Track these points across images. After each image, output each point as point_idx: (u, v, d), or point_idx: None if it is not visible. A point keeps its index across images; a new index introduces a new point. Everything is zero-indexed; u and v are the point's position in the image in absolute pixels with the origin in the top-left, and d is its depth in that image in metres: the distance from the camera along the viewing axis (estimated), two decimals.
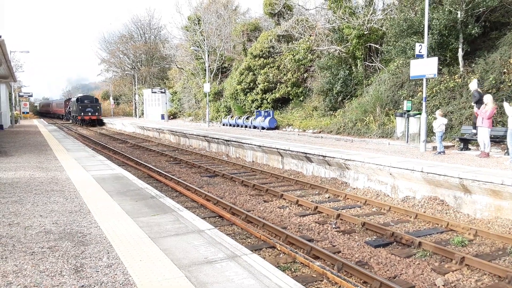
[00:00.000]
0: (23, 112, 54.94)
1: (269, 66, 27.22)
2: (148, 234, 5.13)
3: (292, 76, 25.96)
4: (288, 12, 28.11)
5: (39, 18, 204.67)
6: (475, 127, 12.03)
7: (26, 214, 6.11)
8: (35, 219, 5.83)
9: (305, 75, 26.01)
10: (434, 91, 15.52)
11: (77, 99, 44.47)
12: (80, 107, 43.04)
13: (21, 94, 53.02)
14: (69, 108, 51.56)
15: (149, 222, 5.65)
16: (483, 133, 10.96)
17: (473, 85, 12.11)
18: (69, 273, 4.00)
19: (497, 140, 11.86)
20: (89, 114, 43.46)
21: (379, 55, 21.14)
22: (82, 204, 6.71)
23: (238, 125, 27.25)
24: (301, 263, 6.04)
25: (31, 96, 57.32)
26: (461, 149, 12.34)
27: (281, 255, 6.40)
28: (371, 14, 20.62)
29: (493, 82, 13.38)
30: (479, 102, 11.68)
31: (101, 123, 45.56)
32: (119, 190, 7.80)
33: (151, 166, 14.91)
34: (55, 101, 74.76)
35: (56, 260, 4.32)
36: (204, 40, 32.89)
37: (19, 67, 44.03)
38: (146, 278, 3.85)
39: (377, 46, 20.94)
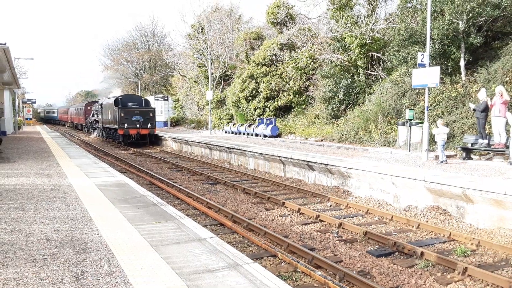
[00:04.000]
0: (27, 119, 55.14)
1: (271, 74, 27.32)
2: (149, 242, 5.12)
3: (295, 84, 26.03)
4: (291, 21, 28.27)
5: (42, 25, 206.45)
6: (482, 136, 12.03)
7: (27, 221, 6.12)
8: (37, 226, 5.83)
9: (308, 83, 26.08)
10: (436, 100, 15.53)
11: (116, 101, 27.31)
12: (122, 114, 26.02)
13: (24, 100, 53.25)
14: (94, 116, 35.24)
15: (150, 230, 5.64)
16: (500, 123, 11.11)
17: (482, 94, 12.14)
18: (70, 281, 4.00)
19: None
20: (137, 126, 26.13)
21: (381, 64, 21.21)
22: (83, 211, 6.71)
23: (240, 133, 27.29)
24: (303, 272, 6.01)
25: (35, 102, 57.55)
26: (464, 159, 12.31)
27: (282, 264, 6.37)
28: (373, 23, 20.72)
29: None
30: (486, 110, 11.81)
31: (153, 142, 28.20)
32: (121, 197, 7.81)
33: (153, 173, 14.92)
34: (69, 108, 57.15)
35: (57, 268, 4.32)
36: (207, 48, 33.07)
37: (22, 73, 44.35)
38: (147, 286, 3.84)
39: (379, 55, 21.01)
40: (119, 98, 27.92)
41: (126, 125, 25.81)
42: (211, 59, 32.15)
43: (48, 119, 79.58)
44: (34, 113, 76.97)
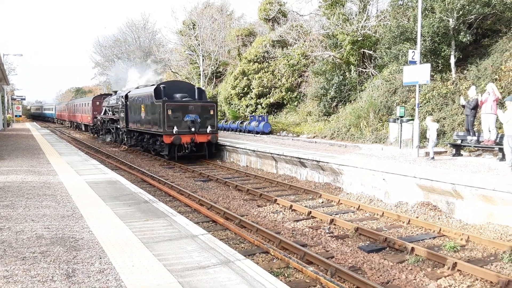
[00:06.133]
0: (16, 116, 54.52)
1: (263, 71, 27.32)
2: (141, 239, 5.10)
3: (287, 81, 26.06)
4: (283, 18, 28.28)
5: (31, 22, 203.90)
6: (469, 133, 12.16)
7: (17, 218, 6.06)
8: (27, 224, 5.77)
9: (299, 80, 26.13)
10: (427, 97, 15.66)
11: (157, 91, 17.75)
12: (168, 112, 16.74)
13: (14, 97, 52.64)
14: (108, 113, 26.10)
15: (142, 227, 5.62)
16: (491, 120, 11.24)
17: (472, 92, 12.25)
18: (60, 278, 3.97)
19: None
20: (192, 129, 17.03)
21: (372, 61, 21.32)
22: (74, 208, 6.66)
23: (232, 130, 27.26)
24: (295, 268, 6.04)
25: (24, 99, 56.93)
26: (454, 155, 12.44)
27: (274, 261, 6.39)
28: (365, 20, 20.80)
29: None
30: (475, 107, 11.95)
31: (212, 153, 18.19)
32: (112, 195, 7.76)
33: (145, 171, 14.85)
34: (69, 103, 46.40)
35: (48, 265, 4.28)
36: (198, 44, 32.95)
37: (12, 70, 43.78)
38: (139, 283, 3.83)
39: (370, 52, 21.11)
40: (161, 86, 17.67)
41: (175, 128, 16.41)
42: (203, 56, 32.05)
43: (40, 117, 72.53)
44: (24, 110, 75.92)
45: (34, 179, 9.37)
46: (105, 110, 27.11)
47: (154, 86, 18.09)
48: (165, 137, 16.62)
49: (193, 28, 35.12)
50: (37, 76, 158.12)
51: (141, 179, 13.41)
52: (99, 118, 28.68)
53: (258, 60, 27.85)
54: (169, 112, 16.65)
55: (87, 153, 19.55)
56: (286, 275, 5.86)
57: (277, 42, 27.46)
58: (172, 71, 43.42)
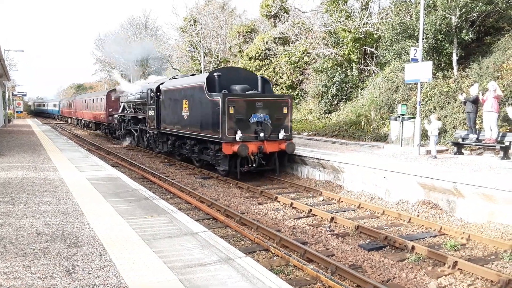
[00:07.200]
0: (17, 112, 54.56)
1: (265, 68, 27.27)
2: (141, 236, 5.10)
3: (288, 78, 26.02)
4: (284, 14, 28.21)
5: (31, 21, 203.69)
6: (472, 131, 12.13)
7: (18, 214, 6.06)
8: (27, 220, 5.77)
9: (301, 77, 26.08)
10: (429, 95, 15.61)
11: (210, 81, 12.85)
12: (230, 111, 11.84)
13: (14, 93, 52.65)
14: (127, 110, 22.22)
15: (142, 224, 5.61)
16: (492, 118, 11.19)
17: (474, 90, 12.23)
18: (60, 275, 3.97)
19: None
20: (261, 135, 12.26)
21: (374, 58, 21.26)
22: (75, 205, 6.66)
23: None
24: (295, 266, 6.03)
25: (25, 95, 56.93)
26: (455, 153, 12.41)
27: (274, 258, 6.39)
28: (367, 17, 20.74)
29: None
30: (476, 102, 11.94)
31: (285, 167, 13.76)
32: (113, 191, 7.76)
33: (145, 168, 14.84)
34: (76, 99, 41.11)
35: (48, 262, 4.28)
36: (199, 41, 32.89)
37: (13, 65, 43.75)
38: (139, 280, 3.82)
39: (372, 49, 21.06)
40: (215, 75, 12.90)
41: (239, 133, 11.93)
42: (204, 52, 31.99)
43: (44, 114, 69.63)
44: (25, 106, 75.77)
45: (35, 176, 9.38)
46: (124, 106, 22.58)
47: (207, 75, 13.21)
48: (225, 146, 11.83)
49: (194, 24, 35.06)
50: (38, 73, 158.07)
51: (141, 176, 13.41)
52: (116, 116, 23.69)
53: (260, 57, 27.80)
54: (231, 110, 11.86)
55: (88, 149, 19.54)
56: (286, 272, 5.85)
57: (279, 39, 27.41)
58: (173, 68, 43.39)
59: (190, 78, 15.09)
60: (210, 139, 12.68)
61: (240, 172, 12.22)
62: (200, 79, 13.41)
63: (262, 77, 14.10)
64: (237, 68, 17.78)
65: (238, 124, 12.03)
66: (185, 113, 14.31)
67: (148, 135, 18.79)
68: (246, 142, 11.97)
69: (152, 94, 17.23)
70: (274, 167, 12.94)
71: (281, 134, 12.67)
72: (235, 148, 11.72)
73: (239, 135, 11.92)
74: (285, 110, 12.94)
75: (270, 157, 12.77)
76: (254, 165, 12.32)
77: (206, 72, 18.56)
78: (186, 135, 14.57)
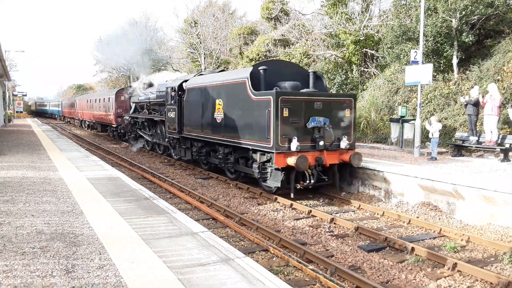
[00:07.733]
0: (17, 112, 54.59)
1: None
2: (141, 235, 5.09)
3: None
4: (285, 16, 28.25)
5: (31, 22, 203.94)
6: (473, 133, 12.15)
7: (17, 213, 6.05)
8: (27, 219, 5.77)
9: None
10: (429, 97, 15.64)
11: (254, 77, 10.40)
12: (285, 114, 9.44)
13: (15, 93, 52.69)
14: (138, 111, 20.34)
15: (142, 224, 5.61)
16: (492, 121, 11.20)
17: (475, 92, 12.25)
18: (60, 274, 3.96)
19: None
20: (321, 143, 9.83)
21: (374, 60, 21.30)
22: (74, 204, 6.66)
23: None
24: (294, 266, 6.03)
25: (25, 95, 56.96)
26: (455, 155, 12.42)
27: (274, 259, 6.38)
28: (367, 20, 20.78)
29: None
30: (477, 105, 11.95)
31: (348, 183, 11.09)
32: (113, 191, 7.76)
33: (145, 168, 14.84)
34: (79, 99, 38.73)
35: (47, 261, 4.28)
36: (200, 42, 32.95)
37: (13, 66, 43.80)
38: (138, 280, 3.82)
39: (372, 52, 21.09)
40: (261, 70, 10.59)
41: (295, 141, 9.50)
42: (204, 54, 32.03)
43: (45, 114, 68.38)
44: (25, 106, 75.75)
45: (35, 175, 9.37)
46: (135, 107, 20.65)
47: (250, 69, 10.77)
48: (278, 158, 9.48)
49: (195, 26, 35.12)
50: (38, 73, 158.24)
51: (141, 176, 13.41)
52: (128, 118, 21.35)
53: (260, 59, 27.82)
54: (286, 113, 9.53)
55: (88, 149, 19.54)
56: (285, 273, 5.85)
57: (279, 41, 27.44)
58: (173, 69, 43.44)
59: (226, 74, 12.74)
60: (255, 147, 10.29)
61: (294, 189, 9.87)
62: (242, 75, 10.97)
63: (314, 73, 11.64)
64: (283, 61, 15.36)
65: (294, 130, 9.66)
66: (219, 115, 11.98)
67: (166, 139, 16.31)
68: (303, 152, 9.61)
69: (173, 94, 14.85)
70: (334, 181, 10.50)
71: (344, 143, 10.25)
72: (292, 160, 9.29)
73: (295, 143, 9.41)
74: (347, 113, 10.56)
75: (330, 170, 10.38)
76: (312, 180, 9.88)
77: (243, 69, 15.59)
78: (218, 142, 12.14)
